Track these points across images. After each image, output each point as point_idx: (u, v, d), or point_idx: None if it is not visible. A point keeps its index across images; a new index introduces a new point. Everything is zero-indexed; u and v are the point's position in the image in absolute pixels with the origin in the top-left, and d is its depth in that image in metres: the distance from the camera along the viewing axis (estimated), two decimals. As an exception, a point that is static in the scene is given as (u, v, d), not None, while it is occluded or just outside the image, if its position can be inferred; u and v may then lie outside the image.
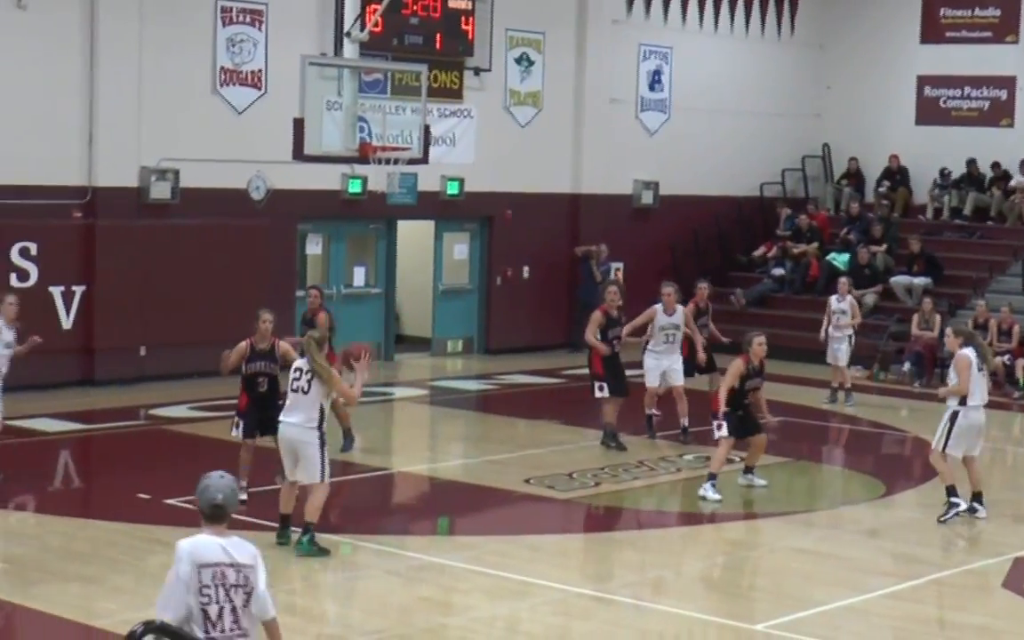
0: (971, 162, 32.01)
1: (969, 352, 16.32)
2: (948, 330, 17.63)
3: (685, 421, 20.59)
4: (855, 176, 33.62)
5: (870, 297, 29.55)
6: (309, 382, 14.13)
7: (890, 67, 33.67)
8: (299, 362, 14.42)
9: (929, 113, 33.21)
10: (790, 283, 31.45)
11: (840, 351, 24.67)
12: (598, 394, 19.89)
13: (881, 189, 32.87)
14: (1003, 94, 32.28)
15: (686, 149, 31.77)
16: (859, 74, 33.98)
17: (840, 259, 31.00)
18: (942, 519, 16.38)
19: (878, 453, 22.19)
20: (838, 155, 34.19)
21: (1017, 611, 13.44)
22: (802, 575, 14.44)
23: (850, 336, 24.80)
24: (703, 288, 22.19)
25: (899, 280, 30.05)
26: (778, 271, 31.74)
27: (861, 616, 13.13)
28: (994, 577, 14.29)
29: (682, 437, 20.50)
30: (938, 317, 27.48)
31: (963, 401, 16.26)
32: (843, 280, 25.89)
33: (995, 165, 31.79)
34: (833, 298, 25.26)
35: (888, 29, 33.75)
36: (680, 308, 20.75)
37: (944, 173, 32.30)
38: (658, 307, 20.57)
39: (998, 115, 32.35)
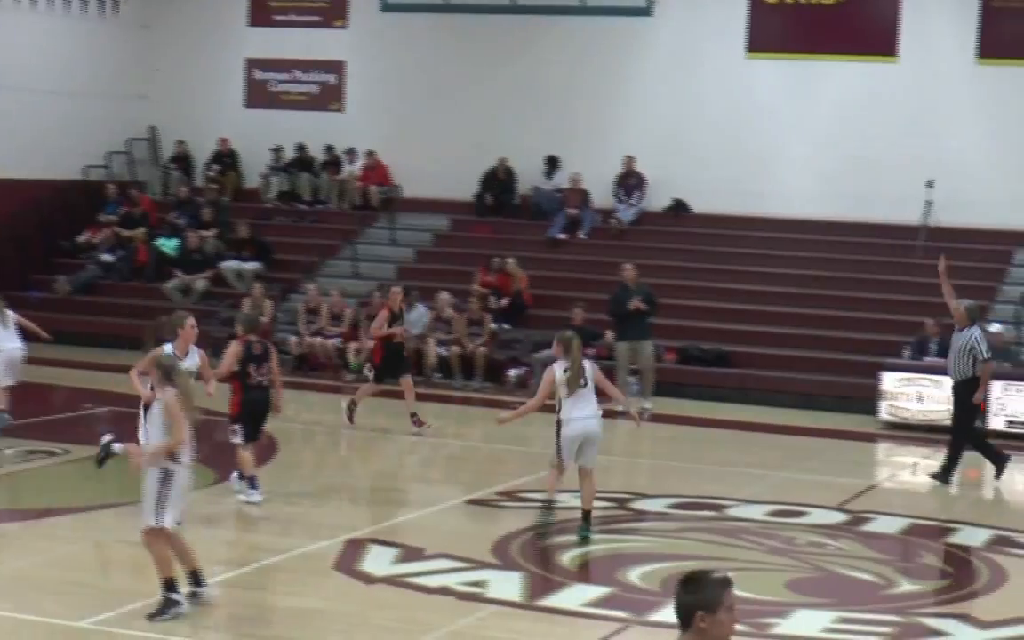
0: (301, 146, 31.77)
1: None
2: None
3: None
4: (183, 159, 32.72)
5: (200, 283, 28.79)
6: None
7: (218, 49, 32.95)
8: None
9: (258, 96, 32.74)
10: (118, 269, 30.19)
11: None
12: None
13: (210, 173, 32.15)
14: (333, 78, 32.23)
15: (2, 129, 29.82)
16: (186, 56, 33.05)
17: (169, 244, 30.14)
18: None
19: (211, 441, 21.31)
20: (166, 138, 33.14)
21: (349, 592, 13.11)
22: (132, 566, 13.33)
23: None
24: (396, 292, 21.70)
25: (230, 265, 29.44)
26: (109, 257, 30.39)
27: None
28: (326, 560, 13.81)
29: None
30: (269, 302, 27.01)
31: None
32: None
33: (328, 149, 31.69)
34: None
35: (215, 11, 33.04)
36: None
37: (276, 156, 31.89)
38: None
39: (328, 99, 32.27)
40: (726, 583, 6.19)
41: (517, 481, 18.33)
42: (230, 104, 32.86)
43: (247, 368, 16.11)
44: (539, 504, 15.75)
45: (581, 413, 14.90)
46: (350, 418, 21.44)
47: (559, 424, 15.01)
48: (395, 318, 21.47)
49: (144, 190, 32.26)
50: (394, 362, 21.48)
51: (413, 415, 21.07)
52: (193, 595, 11.85)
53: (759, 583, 13.72)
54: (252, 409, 16.19)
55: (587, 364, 15.15)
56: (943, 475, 19.08)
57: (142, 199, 31.45)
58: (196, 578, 11.91)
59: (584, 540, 14.94)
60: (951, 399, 19.71)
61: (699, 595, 6.13)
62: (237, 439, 16.18)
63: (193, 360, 15.24)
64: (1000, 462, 19.38)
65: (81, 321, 28.17)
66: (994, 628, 12.78)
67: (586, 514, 15.11)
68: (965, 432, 19.38)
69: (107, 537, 14.76)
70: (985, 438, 20.26)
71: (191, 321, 15.52)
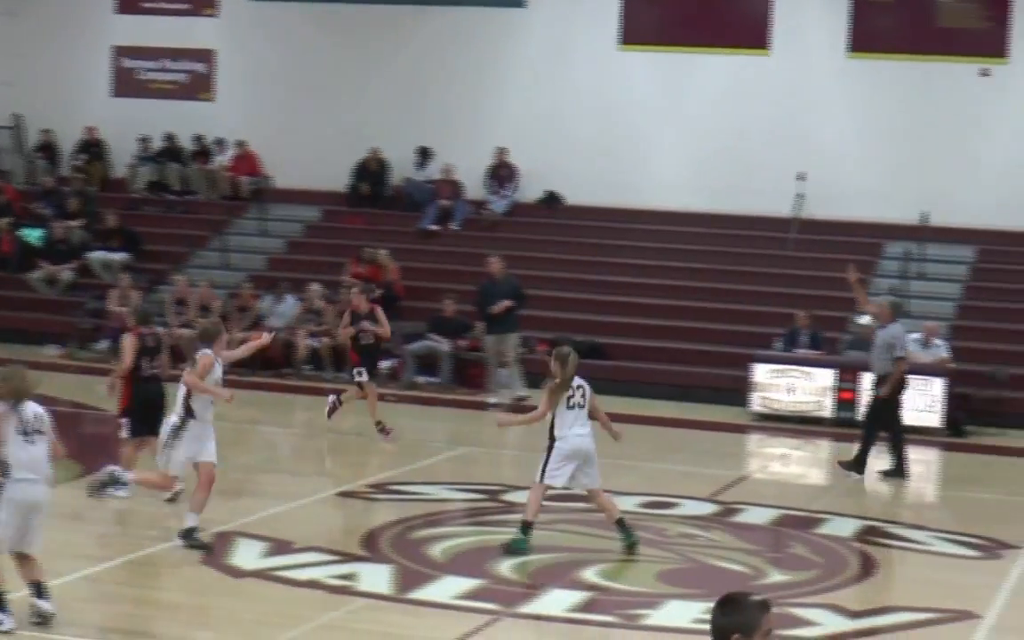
0: (170, 136, 31.30)
1: None
2: None
3: None
4: (49, 148, 32.12)
5: (67, 273, 28.32)
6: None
7: (84, 36, 32.34)
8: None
9: (126, 85, 32.19)
10: (-21, 260, 29.67)
11: None
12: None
13: (77, 162, 31.59)
14: (202, 67, 31.78)
15: None
16: (52, 42, 32.40)
17: (34, 234, 29.66)
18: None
19: (77, 433, 20.91)
20: (31, 126, 32.51)
21: (217, 585, 12.88)
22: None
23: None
24: (356, 292, 21.15)
25: (97, 256, 28.98)
26: (-34, 248, 29.83)
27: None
28: (195, 553, 13.59)
29: None
30: (137, 293, 26.57)
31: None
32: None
33: (197, 138, 31.24)
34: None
35: (82, -3, 32.50)
36: None
37: (144, 145, 31.38)
38: None
39: (197, 88, 31.82)
40: (765, 607, 6.02)
41: (388, 474, 18.21)
42: (97, 92, 32.29)
43: (140, 361, 15.66)
44: (519, 526, 14.46)
45: (579, 430, 14.22)
46: (383, 431, 20.33)
47: (552, 440, 14.28)
48: (356, 318, 20.64)
49: (8, 179, 31.62)
50: (372, 360, 20.80)
51: (379, 422, 20.33)
52: (32, 608, 11.25)
53: (630, 574, 13.69)
54: (145, 402, 15.63)
55: (586, 386, 14.44)
56: (857, 465, 19.13)
57: (6, 188, 30.85)
58: (38, 590, 11.33)
59: (631, 547, 14.35)
60: (872, 392, 19.70)
61: (736, 617, 5.99)
62: (124, 434, 15.77)
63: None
64: (900, 471, 19.28)
65: (-58, 312, 27.62)
66: (863, 617, 12.84)
67: (619, 522, 14.54)
68: (881, 424, 19.36)
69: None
70: (904, 436, 19.60)
71: (224, 327, 15.30)
